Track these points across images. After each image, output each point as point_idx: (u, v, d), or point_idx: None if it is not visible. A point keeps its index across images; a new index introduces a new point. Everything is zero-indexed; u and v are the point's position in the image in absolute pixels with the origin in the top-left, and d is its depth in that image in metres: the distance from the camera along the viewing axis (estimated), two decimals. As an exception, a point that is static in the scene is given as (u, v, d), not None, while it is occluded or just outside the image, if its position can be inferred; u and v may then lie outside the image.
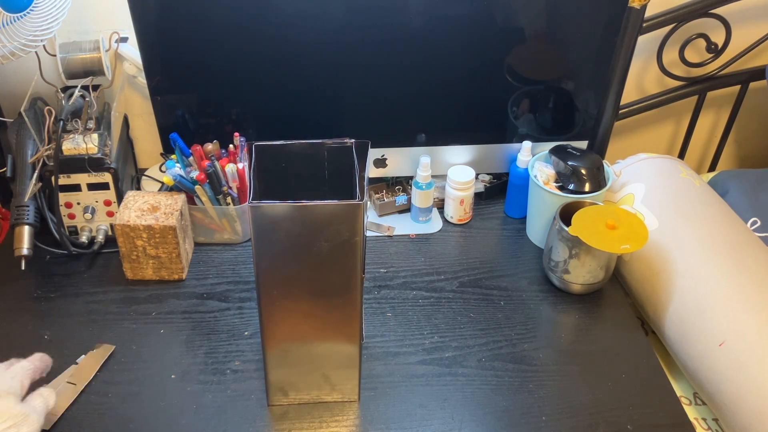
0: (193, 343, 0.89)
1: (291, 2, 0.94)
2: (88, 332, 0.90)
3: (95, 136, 0.99)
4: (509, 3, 0.97)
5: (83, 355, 0.86)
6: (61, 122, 0.95)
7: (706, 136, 1.37)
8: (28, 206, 0.95)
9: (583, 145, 1.12)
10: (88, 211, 1.01)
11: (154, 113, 1.04)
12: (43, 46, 0.96)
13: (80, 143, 0.98)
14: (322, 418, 0.81)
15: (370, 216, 1.13)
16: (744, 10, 1.16)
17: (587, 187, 1.00)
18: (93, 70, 1.04)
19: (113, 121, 1.06)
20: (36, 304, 0.95)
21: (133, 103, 1.18)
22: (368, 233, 1.09)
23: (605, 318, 0.95)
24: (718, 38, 1.16)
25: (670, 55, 1.17)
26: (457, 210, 1.10)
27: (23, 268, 0.94)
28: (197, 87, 1.01)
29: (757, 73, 1.21)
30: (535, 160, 1.07)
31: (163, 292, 0.97)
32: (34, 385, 0.74)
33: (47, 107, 0.97)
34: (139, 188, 1.15)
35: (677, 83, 1.21)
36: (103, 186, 1.00)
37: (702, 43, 1.16)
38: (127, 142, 1.14)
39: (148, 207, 0.96)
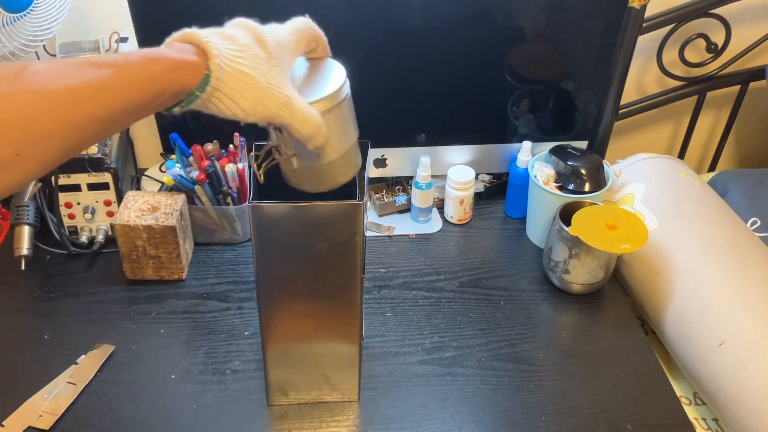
0: (193, 343, 0.89)
1: (290, 2, 0.94)
2: (88, 332, 0.90)
3: (95, 136, 0.99)
4: (509, 3, 0.97)
5: (83, 355, 0.86)
6: (61, 122, 0.95)
7: (706, 136, 1.36)
8: (28, 206, 0.95)
9: (583, 145, 1.12)
10: (88, 211, 1.01)
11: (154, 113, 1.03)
12: (43, 46, 0.96)
13: (80, 143, 0.98)
14: (322, 418, 0.80)
15: (370, 216, 1.13)
16: (744, 10, 1.16)
17: (587, 187, 1.00)
18: (93, 70, 1.04)
19: (113, 121, 1.06)
20: (36, 304, 0.95)
21: (133, 103, 1.18)
22: (368, 233, 1.09)
23: (605, 318, 0.95)
24: (718, 38, 1.16)
25: (670, 55, 1.17)
26: (457, 210, 1.10)
27: (23, 268, 0.94)
28: (197, 87, 1.01)
29: (757, 73, 1.21)
30: (535, 160, 1.07)
31: (163, 292, 0.97)
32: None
33: (47, 107, 0.97)
34: (139, 188, 1.15)
35: (677, 83, 1.21)
36: (103, 186, 1.00)
37: (702, 43, 1.16)
38: (127, 142, 1.14)
39: (148, 207, 0.96)
